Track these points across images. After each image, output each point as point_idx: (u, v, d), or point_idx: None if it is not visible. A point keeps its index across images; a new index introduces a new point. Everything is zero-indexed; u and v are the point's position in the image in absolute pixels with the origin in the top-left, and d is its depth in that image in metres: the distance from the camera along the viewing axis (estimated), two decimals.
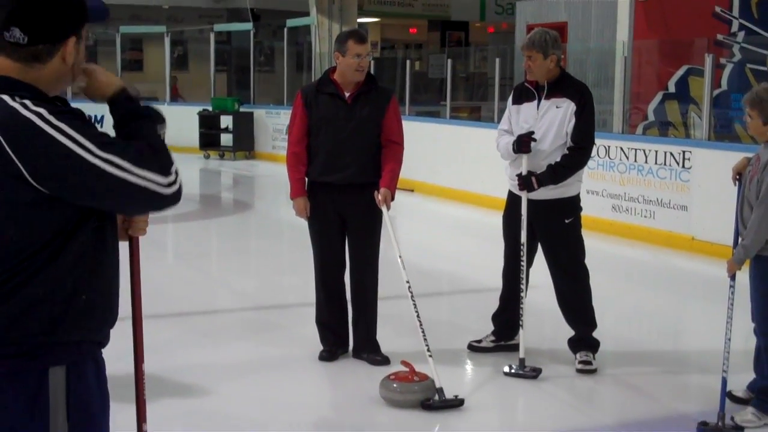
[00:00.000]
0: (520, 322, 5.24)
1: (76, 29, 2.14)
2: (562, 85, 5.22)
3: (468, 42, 25.07)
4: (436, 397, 4.61)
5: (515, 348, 5.30)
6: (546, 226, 5.31)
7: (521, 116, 5.29)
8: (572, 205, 5.32)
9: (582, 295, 5.36)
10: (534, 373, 5.12)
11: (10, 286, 2.05)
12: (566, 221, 5.29)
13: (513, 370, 5.16)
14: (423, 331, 4.83)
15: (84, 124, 2.06)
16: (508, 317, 5.46)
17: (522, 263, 5.27)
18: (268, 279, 8.00)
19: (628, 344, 5.96)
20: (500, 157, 5.44)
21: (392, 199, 5.15)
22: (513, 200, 5.40)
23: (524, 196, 5.22)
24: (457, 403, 4.63)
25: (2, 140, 2.00)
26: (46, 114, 2.02)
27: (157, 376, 4.81)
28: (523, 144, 5.14)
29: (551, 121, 5.16)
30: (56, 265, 2.07)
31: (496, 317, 5.58)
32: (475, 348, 5.56)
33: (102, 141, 2.04)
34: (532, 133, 5.15)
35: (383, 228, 5.23)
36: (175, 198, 2.13)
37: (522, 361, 5.16)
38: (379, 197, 5.09)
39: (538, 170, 5.16)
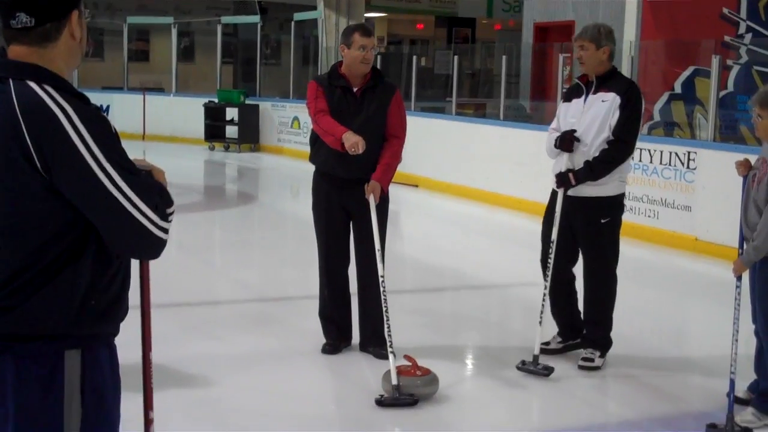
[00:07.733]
0: (539, 320, 5.21)
1: (76, 3, 2.20)
2: (611, 80, 5.17)
3: (474, 39, 25.08)
4: (397, 394, 4.59)
5: (577, 347, 5.36)
6: (581, 224, 5.21)
7: (569, 112, 5.25)
8: (610, 204, 5.19)
9: (604, 301, 5.30)
10: (546, 372, 5.07)
11: (32, 276, 2.08)
12: (602, 221, 5.17)
13: (525, 366, 5.12)
14: (388, 327, 4.86)
15: (106, 135, 2.11)
16: (566, 318, 5.46)
17: (549, 260, 5.22)
18: (271, 271, 8.02)
19: (629, 343, 5.95)
20: (546, 154, 5.38)
21: (384, 192, 5.15)
22: (554, 199, 5.31)
23: (560, 193, 5.18)
24: (410, 402, 4.57)
25: (23, 126, 2.05)
26: (72, 113, 2.06)
27: (159, 365, 4.77)
28: (566, 141, 5.11)
29: (596, 114, 5.09)
30: (79, 262, 2.11)
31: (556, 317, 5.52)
32: (544, 351, 5.30)
33: (116, 162, 2.09)
34: (575, 131, 5.12)
35: (388, 220, 5.25)
36: (161, 244, 2.18)
37: (536, 358, 5.12)
38: (368, 188, 5.10)
39: (578, 167, 5.12)
